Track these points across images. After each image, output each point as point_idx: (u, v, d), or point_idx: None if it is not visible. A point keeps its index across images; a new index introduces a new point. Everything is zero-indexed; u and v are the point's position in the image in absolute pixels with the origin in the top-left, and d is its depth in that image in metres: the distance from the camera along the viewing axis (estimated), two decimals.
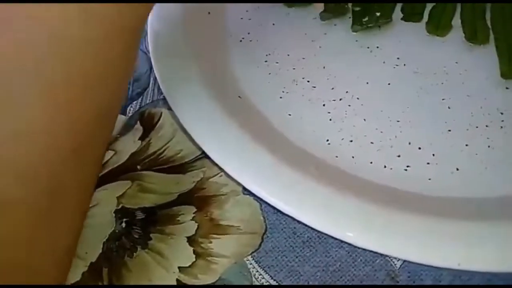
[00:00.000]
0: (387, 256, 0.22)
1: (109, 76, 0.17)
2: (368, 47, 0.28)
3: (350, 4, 0.29)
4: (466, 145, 0.24)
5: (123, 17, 0.16)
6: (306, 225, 0.22)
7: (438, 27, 0.28)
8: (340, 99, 0.26)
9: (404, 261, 0.22)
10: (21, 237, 0.16)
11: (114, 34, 0.16)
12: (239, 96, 0.25)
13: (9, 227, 0.16)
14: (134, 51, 0.18)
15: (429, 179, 0.23)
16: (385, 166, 0.23)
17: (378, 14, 0.28)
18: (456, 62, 0.27)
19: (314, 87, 0.26)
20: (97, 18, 0.15)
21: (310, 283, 0.22)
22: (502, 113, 0.25)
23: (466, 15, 0.28)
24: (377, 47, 0.28)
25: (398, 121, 0.25)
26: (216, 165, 0.24)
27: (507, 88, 0.26)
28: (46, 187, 0.16)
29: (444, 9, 0.29)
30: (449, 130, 0.24)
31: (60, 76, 0.15)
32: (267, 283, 0.22)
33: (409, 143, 0.24)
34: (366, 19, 0.28)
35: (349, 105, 0.25)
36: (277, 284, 0.22)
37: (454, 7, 0.29)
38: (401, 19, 0.29)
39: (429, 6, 0.29)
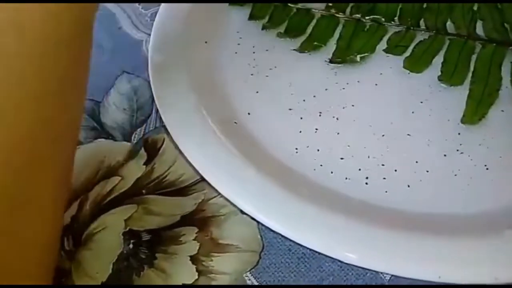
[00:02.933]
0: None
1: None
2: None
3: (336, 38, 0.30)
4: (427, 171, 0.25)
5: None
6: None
7: (416, 63, 0.28)
8: (326, 125, 0.27)
9: (393, 274, 0.24)
10: None
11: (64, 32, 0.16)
12: (235, 122, 0.27)
13: None
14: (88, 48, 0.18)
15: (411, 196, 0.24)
16: (367, 183, 0.25)
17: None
18: (421, 102, 0.27)
19: (303, 115, 0.28)
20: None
21: None
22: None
23: (451, 54, 0.28)
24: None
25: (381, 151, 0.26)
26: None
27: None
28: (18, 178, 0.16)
29: (430, 46, 0.29)
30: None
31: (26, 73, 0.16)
32: None
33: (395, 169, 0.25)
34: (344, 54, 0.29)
35: (337, 130, 0.27)
36: None
37: (440, 46, 0.29)
38: (383, 50, 0.30)
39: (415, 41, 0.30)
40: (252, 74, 0.30)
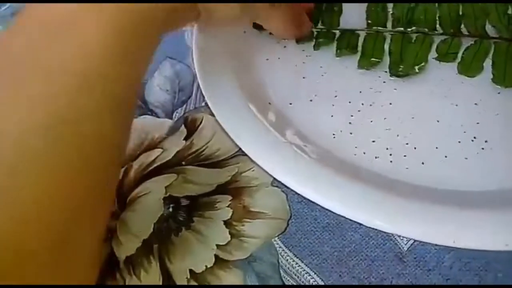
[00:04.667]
0: (395, 240, 0.26)
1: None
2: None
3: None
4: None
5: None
6: (326, 212, 0.26)
7: (469, 68, 0.29)
8: (359, 110, 0.29)
9: (411, 244, 0.26)
10: None
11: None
12: (269, 103, 0.30)
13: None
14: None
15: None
16: (391, 161, 0.27)
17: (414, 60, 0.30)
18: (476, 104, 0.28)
19: (336, 96, 0.30)
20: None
21: (328, 261, 0.26)
22: None
23: (498, 57, 0.29)
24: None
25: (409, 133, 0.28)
26: (249, 161, 0.28)
27: None
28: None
29: (478, 51, 0.30)
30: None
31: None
32: (292, 260, 0.26)
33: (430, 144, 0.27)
34: (402, 67, 0.30)
35: (368, 112, 0.29)
36: (300, 260, 0.26)
37: (487, 50, 0.30)
38: (435, 58, 0.30)
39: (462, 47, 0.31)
40: (288, 63, 0.32)
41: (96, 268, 0.22)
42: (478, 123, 0.28)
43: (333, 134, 0.28)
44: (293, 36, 0.33)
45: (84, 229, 0.20)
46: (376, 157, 0.27)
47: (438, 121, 0.28)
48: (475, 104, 0.29)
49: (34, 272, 0.18)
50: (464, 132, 0.28)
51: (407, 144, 0.27)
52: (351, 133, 0.28)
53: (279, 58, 0.32)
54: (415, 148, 0.27)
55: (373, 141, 0.28)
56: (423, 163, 0.26)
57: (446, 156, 0.27)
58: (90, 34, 0.19)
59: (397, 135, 0.28)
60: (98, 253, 0.22)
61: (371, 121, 0.28)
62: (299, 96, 0.30)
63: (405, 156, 0.27)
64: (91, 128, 0.19)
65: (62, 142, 0.18)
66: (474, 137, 0.27)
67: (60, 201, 0.18)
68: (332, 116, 0.29)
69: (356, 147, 0.28)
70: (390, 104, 0.29)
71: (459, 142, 0.27)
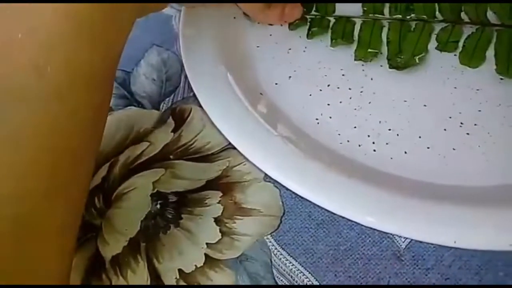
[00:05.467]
0: (393, 237, 0.25)
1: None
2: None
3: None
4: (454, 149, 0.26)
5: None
6: (320, 208, 0.25)
7: (471, 58, 0.28)
8: (350, 97, 0.28)
9: (409, 242, 0.25)
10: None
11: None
12: (260, 93, 0.28)
13: None
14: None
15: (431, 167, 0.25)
16: (391, 158, 0.26)
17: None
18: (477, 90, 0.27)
19: (339, 88, 0.29)
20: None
21: (323, 260, 0.25)
22: None
23: (500, 47, 0.28)
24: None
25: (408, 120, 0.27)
26: (240, 155, 0.27)
27: None
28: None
29: (480, 39, 0.28)
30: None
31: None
32: (285, 259, 0.25)
33: (419, 137, 0.26)
34: (401, 58, 0.29)
35: (361, 105, 0.28)
36: (294, 260, 0.25)
37: (489, 38, 0.29)
38: (436, 48, 0.29)
39: (463, 35, 0.29)
40: (279, 50, 0.31)
41: (67, 262, 0.21)
42: (479, 110, 0.27)
43: (316, 119, 0.27)
44: (285, 23, 0.31)
45: (47, 223, 0.19)
46: (359, 145, 0.26)
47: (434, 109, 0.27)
48: (477, 90, 0.27)
49: None
50: (461, 124, 0.26)
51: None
52: (340, 118, 0.27)
53: (270, 45, 0.31)
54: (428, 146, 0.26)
55: (355, 127, 0.27)
56: (427, 147, 0.26)
57: (446, 149, 0.26)
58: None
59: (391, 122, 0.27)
60: (67, 244, 0.21)
61: (360, 107, 0.27)
62: (291, 84, 0.29)
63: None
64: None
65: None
66: (475, 124, 0.26)
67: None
68: (324, 101, 0.28)
69: (339, 134, 0.27)
70: (382, 91, 0.28)
71: (458, 132, 0.26)
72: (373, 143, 0.26)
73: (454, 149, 0.26)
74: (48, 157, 0.18)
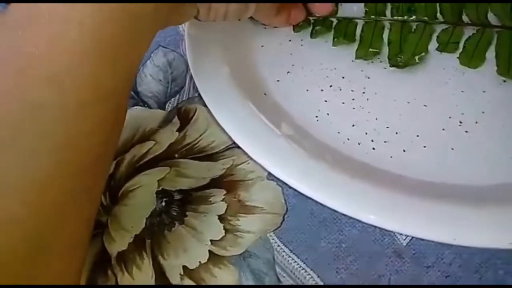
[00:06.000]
0: (394, 235, 0.25)
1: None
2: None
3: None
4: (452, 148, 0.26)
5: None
6: (322, 206, 0.26)
7: (471, 59, 0.28)
8: (353, 99, 0.28)
9: (410, 240, 0.25)
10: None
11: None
12: (264, 93, 0.29)
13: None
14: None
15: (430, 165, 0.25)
16: (391, 157, 0.26)
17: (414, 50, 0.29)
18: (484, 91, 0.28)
19: (340, 89, 0.29)
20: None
21: (325, 257, 0.25)
22: None
23: (501, 48, 0.28)
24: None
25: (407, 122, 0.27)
26: (244, 154, 0.28)
27: None
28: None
29: (480, 40, 0.29)
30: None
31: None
32: (287, 256, 0.25)
33: (417, 136, 0.27)
34: (401, 58, 0.29)
35: (361, 105, 0.28)
36: (296, 256, 0.25)
37: (489, 40, 0.29)
38: (436, 49, 0.29)
39: (464, 37, 0.30)
40: (283, 51, 0.31)
41: (78, 273, 0.21)
42: (483, 112, 0.27)
43: (317, 119, 0.28)
44: (290, 25, 0.32)
45: (60, 238, 0.19)
46: (359, 143, 0.27)
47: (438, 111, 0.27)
48: (479, 92, 0.28)
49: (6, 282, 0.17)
50: (460, 123, 0.27)
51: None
52: (340, 117, 0.28)
53: (274, 46, 0.32)
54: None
55: (353, 125, 0.27)
56: (424, 146, 0.26)
57: (449, 147, 0.26)
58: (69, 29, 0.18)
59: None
60: (79, 258, 0.21)
61: (362, 107, 0.28)
62: (294, 85, 0.30)
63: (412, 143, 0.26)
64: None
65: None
66: (476, 122, 0.27)
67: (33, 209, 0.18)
68: (326, 101, 0.28)
69: (338, 132, 0.27)
70: (383, 92, 0.29)
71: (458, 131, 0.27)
72: (372, 141, 0.27)
73: (452, 148, 0.26)
74: (63, 171, 0.18)
